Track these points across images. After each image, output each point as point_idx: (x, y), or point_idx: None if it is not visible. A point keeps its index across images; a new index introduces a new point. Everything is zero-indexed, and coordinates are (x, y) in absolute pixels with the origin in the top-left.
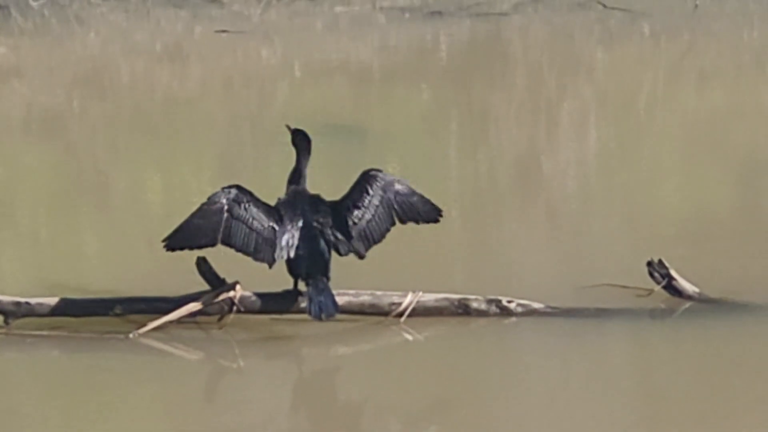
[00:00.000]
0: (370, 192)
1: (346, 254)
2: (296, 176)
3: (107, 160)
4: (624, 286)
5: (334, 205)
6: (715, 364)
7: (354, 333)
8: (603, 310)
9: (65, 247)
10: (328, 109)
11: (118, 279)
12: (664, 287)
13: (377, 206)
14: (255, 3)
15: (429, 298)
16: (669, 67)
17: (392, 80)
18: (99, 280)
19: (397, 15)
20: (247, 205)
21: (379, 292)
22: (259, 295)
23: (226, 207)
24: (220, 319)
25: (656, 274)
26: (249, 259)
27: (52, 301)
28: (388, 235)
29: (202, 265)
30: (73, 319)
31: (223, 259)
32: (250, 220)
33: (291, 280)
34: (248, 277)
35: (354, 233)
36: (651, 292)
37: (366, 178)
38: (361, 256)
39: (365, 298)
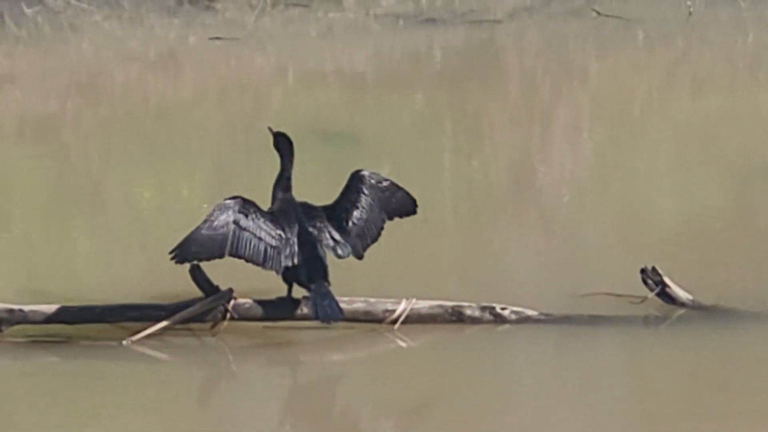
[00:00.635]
0: (365, 191)
1: (346, 256)
2: (284, 183)
3: (101, 167)
4: (618, 295)
5: (328, 208)
6: (708, 371)
7: (348, 340)
8: (597, 317)
9: (59, 254)
10: (322, 116)
11: (111, 286)
12: (658, 294)
13: (371, 205)
14: (249, 10)
15: (423, 305)
16: (663, 74)
17: (386, 87)
18: (92, 288)
19: (391, 22)
20: (254, 216)
21: (372, 299)
22: (253, 303)
23: (233, 219)
24: (213, 327)
25: (650, 282)
26: (242, 266)
27: (46, 308)
28: (382, 242)
29: (196, 272)
30: (66, 327)
31: (215, 266)
32: (258, 230)
33: (284, 287)
34: (241, 284)
35: (353, 234)
36: (644, 299)
37: (357, 179)
38: (359, 257)
39: (359, 305)
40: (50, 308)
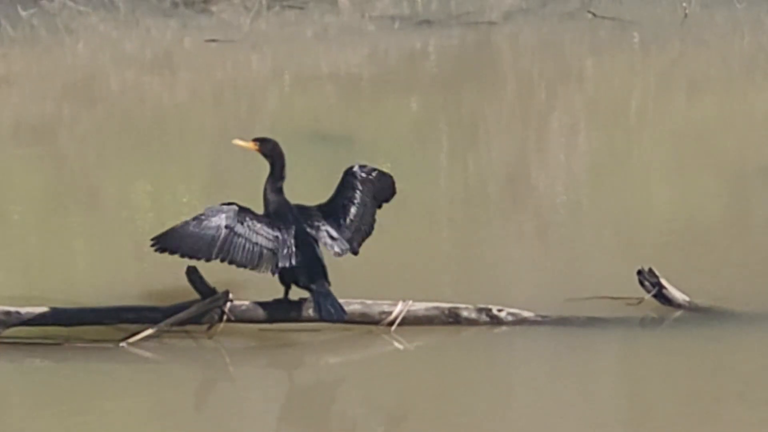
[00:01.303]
0: (358, 187)
1: (344, 253)
2: (276, 186)
3: (97, 169)
4: (614, 297)
5: (323, 207)
6: (705, 373)
7: (344, 342)
8: (593, 319)
9: (55, 257)
10: (318, 118)
11: (107, 288)
12: (655, 296)
13: (365, 200)
14: (245, 12)
15: (419, 307)
16: (659, 76)
17: (382, 89)
18: (89, 290)
19: (387, 24)
20: (249, 223)
21: (369, 301)
22: (250, 304)
23: (225, 224)
24: (210, 329)
25: (647, 283)
26: (237, 268)
27: (42, 310)
28: (379, 244)
29: (193, 274)
30: (63, 329)
31: (212, 268)
32: (253, 235)
33: (280, 289)
34: (237, 286)
35: (350, 230)
36: (641, 300)
37: (351, 175)
38: (355, 252)
39: (355, 307)
40: (47, 310)
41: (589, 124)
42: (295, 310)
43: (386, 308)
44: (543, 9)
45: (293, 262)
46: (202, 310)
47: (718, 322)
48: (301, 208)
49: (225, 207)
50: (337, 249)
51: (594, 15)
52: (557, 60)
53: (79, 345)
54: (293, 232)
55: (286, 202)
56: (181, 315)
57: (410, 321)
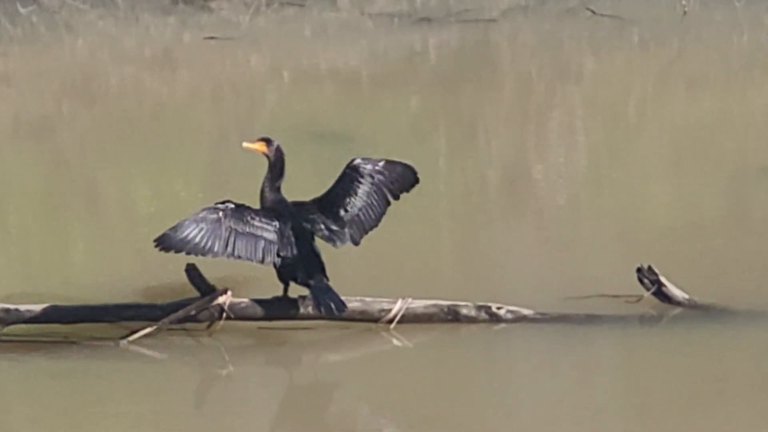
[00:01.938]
0: (360, 180)
1: (343, 244)
2: (274, 186)
3: (96, 167)
4: (614, 295)
5: (318, 200)
6: (704, 370)
7: (343, 340)
8: (593, 317)
9: (54, 254)
10: (317, 116)
11: (107, 286)
12: (654, 293)
13: (368, 192)
14: (244, 9)
15: (418, 304)
16: (658, 74)
17: (381, 86)
18: (88, 287)
19: (386, 21)
20: (249, 217)
21: (368, 299)
22: (249, 302)
23: (225, 222)
24: (209, 326)
25: (646, 281)
26: (237, 266)
27: (42, 308)
28: (378, 242)
29: (192, 272)
30: (62, 326)
31: (212, 265)
32: (254, 228)
33: (280, 287)
34: (237, 284)
35: (347, 221)
36: (640, 298)
37: (350, 168)
38: (356, 243)
39: (355, 304)
40: (46, 308)
41: (588, 122)
42: (294, 308)
43: (385, 306)
44: (542, 6)
45: (294, 251)
46: (201, 308)
47: (718, 320)
48: (297, 205)
49: (221, 205)
50: (336, 241)
51: (593, 12)
52: (556, 57)
53: (78, 342)
54: (290, 226)
55: (283, 200)
56: (181, 312)
57: (409, 318)
